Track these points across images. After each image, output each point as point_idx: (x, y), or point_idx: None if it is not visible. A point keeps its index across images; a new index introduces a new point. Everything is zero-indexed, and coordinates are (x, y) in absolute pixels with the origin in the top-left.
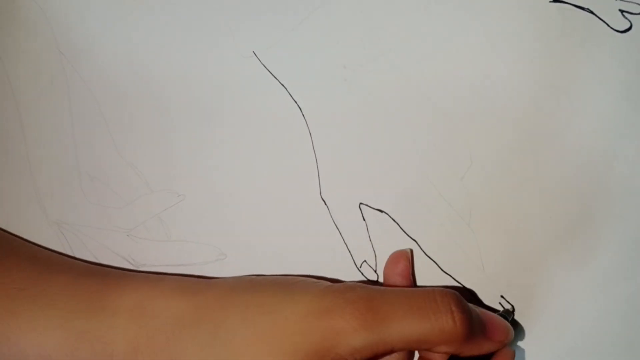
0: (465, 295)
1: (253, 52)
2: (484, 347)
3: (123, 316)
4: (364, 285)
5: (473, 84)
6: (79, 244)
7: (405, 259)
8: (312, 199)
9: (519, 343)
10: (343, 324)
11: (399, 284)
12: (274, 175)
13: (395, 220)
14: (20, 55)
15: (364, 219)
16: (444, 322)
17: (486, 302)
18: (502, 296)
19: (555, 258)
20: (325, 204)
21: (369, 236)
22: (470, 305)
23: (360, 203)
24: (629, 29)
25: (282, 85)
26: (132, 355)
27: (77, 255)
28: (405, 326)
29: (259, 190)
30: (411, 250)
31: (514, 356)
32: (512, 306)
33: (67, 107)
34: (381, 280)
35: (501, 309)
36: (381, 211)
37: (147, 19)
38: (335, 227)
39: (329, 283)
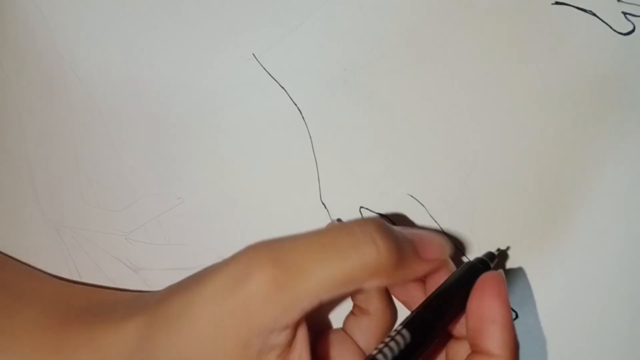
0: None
1: (253, 54)
2: (419, 270)
3: (81, 352)
4: (270, 240)
5: (475, 86)
6: (77, 247)
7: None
8: (312, 203)
9: (526, 348)
10: (252, 291)
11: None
12: (274, 178)
13: (396, 224)
14: (20, 58)
15: None
16: (366, 254)
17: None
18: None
19: (559, 261)
20: (326, 207)
21: None
22: (398, 227)
23: (361, 207)
24: (632, 31)
25: (282, 87)
26: None
27: (75, 259)
28: (324, 271)
29: (258, 193)
30: (338, 220)
31: (503, 276)
32: (499, 250)
33: (66, 109)
34: None
35: None
36: (382, 215)
37: (147, 21)
38: None
39: (233, 255)
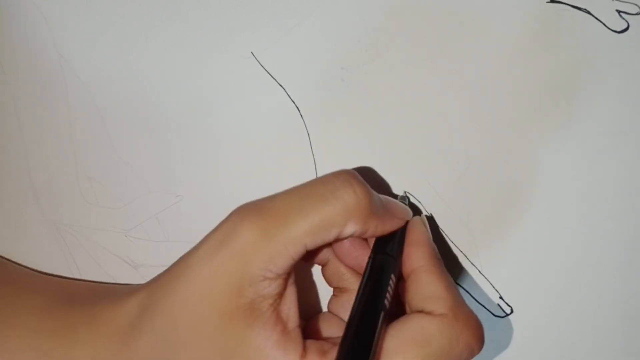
0: None
1: (251, 52)
2: (388, 222)
3: (82, 330)
4: (252, 201)
5: (470, 85)
6: (77, 244)
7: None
8: None
9: (521, 345)
10: (242, 242)
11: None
12: (272, 175)
13: None
14: (18, 56)
15: None
16: (346, 198)
17: (484, 302)
18: (500, 297)
19: (554, 259)
20: None
21: None
22: None
23: None
24: (626, 29)
25: (281, 85)
26: None
27: (75, 256)
28: (306, 217)
29: (257, 190)
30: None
31: (424, 221)
32: (405, 192)
33: (65, 107)
34: None
35: (500, 311)
36: None
37: (145, 20)
38: None
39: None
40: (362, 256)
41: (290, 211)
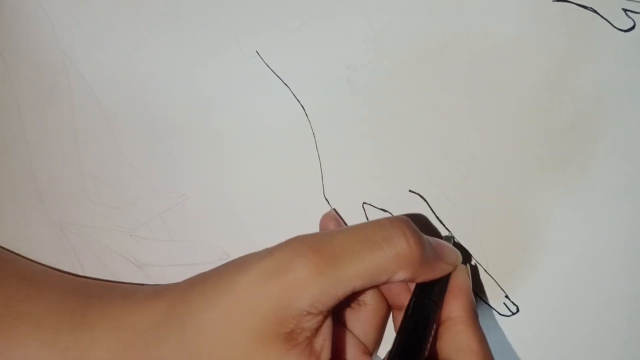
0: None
1: (256, 51)
2: (438, 269)
3: (101, 330)
4: (309, 234)
5: (475, 84)
6: (81, 244)
7: (333, 219)
8: (316, 199)
9: (527, 344)
10: (295, 277)
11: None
12: (278, 175)
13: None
14: (23, 55)
15: (367, 219)
16: (399, 247)
17: (490, 301)
18: (506, 296)
19: (561, 257)
20: (329, 203)
21: (344, 221)
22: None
23: (364, 203)
24: (633, 27)
25: (286, 85)
26: None
27: (80, 256)
28: (359, 261)
29: (262, 190)
30: (334, 210)
31: (468, 271)
32: (450, 232)
33: (69, 107)
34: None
35: (505, 310)
36: (384, 211)
37: (150, 20)
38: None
39: (274, 246)
40: (401, 293)
41: (345, 253)
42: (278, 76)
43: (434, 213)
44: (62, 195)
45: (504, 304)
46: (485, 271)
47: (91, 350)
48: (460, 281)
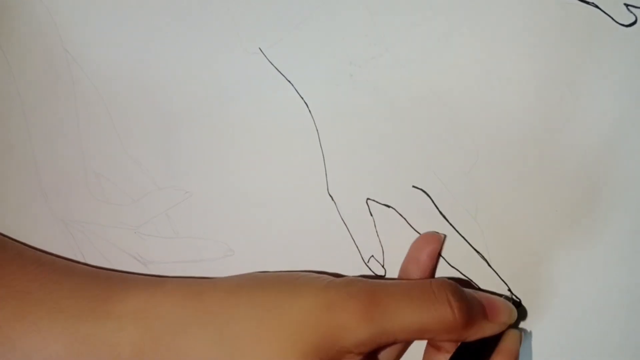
0: (465, 284)
1: (259, 48)
2: (487, 330)
3: (127, 319)
4: (365, 279)
5: (478, 79)
6: (86, 241)
7: (437, 242)
8: (320, 195)
9: (529, 337)
10: (347, 317)
11: (422, 262)
12: (281, 171)
13: (403, 215)
14: (26, 53)
15: (371, 214)
16: (442, 312)
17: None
18: (509, 289)
19: (561, 251)
20: (333, 199)
21: (377, 231)
22: (469, 290)
23: (368, 198)
24: (634, 22)
25: (289, 81)
26: (137, 357)
27: (85, 253)
28: (406, 317)
29: (266, 186)
30: (445, 236)
31: (520, 337)
32: (510, 290)
33: (72, 104)
34: (388, 275)
35: None
36: (388, 206)
37: (153, 17)
38: (342, 222)
39: (331, 277)
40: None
41: (396, 306)
42: (281, 73)
43: (437, 208)
44: (66, 192)
45: (506, 297)
46: (488, 265)
47: (115, 339)
48: (509, 346)
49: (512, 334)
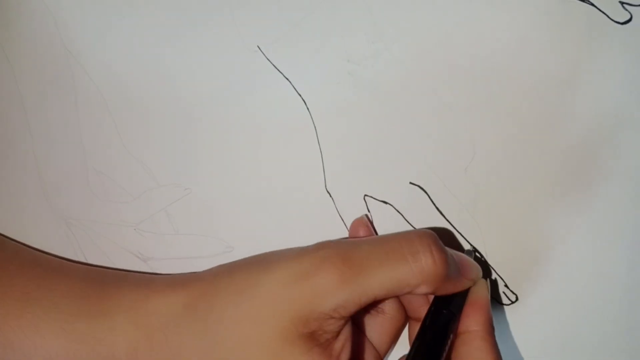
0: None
1: (258, 46)
2: (459, 285)
3: (121, 317)
4: (338, 240)
5: (476, 76)
6: (87, 239)
7: (364, 225)
8: (318, 192)
9: (526, 333)
10: (321, 282)
11: (364, 233)
12: (280, 168)
13: (400, 211)
14: (26, 52)
15: (368, 211)
16: (424, 263)
17: (490, 290)
18: (506, 285)
19: (559, 248)
20: (331, 196)
21: (374, 228)
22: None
23: (365, 195)
24: (629, 20)
25: (287, 79)
26: (132, 354)
27: (85, 251)
28: (384, 272)
29: (264, 183)
30: (367, 215)
31: (487, 286)
32: (473, 246)
33: (73, 102)
34: None
35: (505, 299)
36: (386, 203)
37: (152, 14)
38: (340, 219)
39: (302, 247)
40: (422, 306)
41: (371, 263)
42: (279, 70)
43: (435, 204)
44: (67, 190)
45: (503, 293)
46: (485, 261)
47: (110, 337)
48: (480, 295)
49: (479, 283)
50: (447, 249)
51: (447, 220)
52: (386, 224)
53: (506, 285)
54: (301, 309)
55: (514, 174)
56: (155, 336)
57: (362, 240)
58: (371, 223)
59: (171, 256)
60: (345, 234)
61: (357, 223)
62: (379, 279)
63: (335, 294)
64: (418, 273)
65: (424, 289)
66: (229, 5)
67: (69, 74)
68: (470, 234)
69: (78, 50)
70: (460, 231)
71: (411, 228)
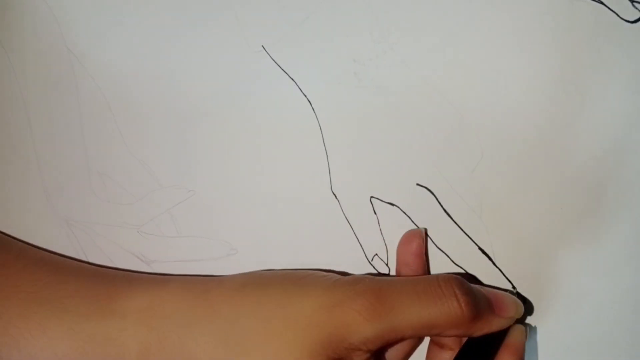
0: (470, 280)
1: (262, 46)
2: (494, 325)
3: (133, 318)
4: (372, 277)
5: (483, 77)
6: (89, 241)
7: (418, 237)
8: (323, 193)
9: (534, 335)
10: (354, 315)
11: (411, 263)
12: (285, 169)
13: (407, 213)
14: (28, 53)
15: (375, 213)
16: (450, 307)
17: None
18: (513, 287)
19: (566, 250)
20: (337, 198)
21: (380, 230)
22: (475, 285)
23: (371, 197)
24: (639, 19)
25: (292, 79)
26: (144, 356)
27: (87, 253)
28: (413, 313)
29: (269, 184)
30: (425, 230)
31: (525, 332)
32: (512, 285)
33: (75, 104)
34: (393, 273)
35: None
36: (392, 204)
37: (156, 15)
38: (346, 221)
39: (338, 276)
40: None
41: (402, 303)
42: (284, 70)
43: (442, 206)
44: (69, 192)
45: (511, 292)
46: (493, 263)
47: (121, 338)
48: (515, 341)
49: (517, 328)
50: (479, 288)
51: (454, 222)
52: (393, 226)
53: (514, 288)
54: (332, 336)
55: (522, 175)
56: (169, 339)
57: (395, 279)
58: (427, 239)
59: (174, 259)
60: (351, 237)
61: (411, 235)
62: (409, 318)
63: (365, 329)
64: (445, 317)
65: (453, 332)
66: (232, 5)
67: (71, 75)
68: (477, 236)
69: (80, 50)
70: (467, 233)
71: (416, 228)
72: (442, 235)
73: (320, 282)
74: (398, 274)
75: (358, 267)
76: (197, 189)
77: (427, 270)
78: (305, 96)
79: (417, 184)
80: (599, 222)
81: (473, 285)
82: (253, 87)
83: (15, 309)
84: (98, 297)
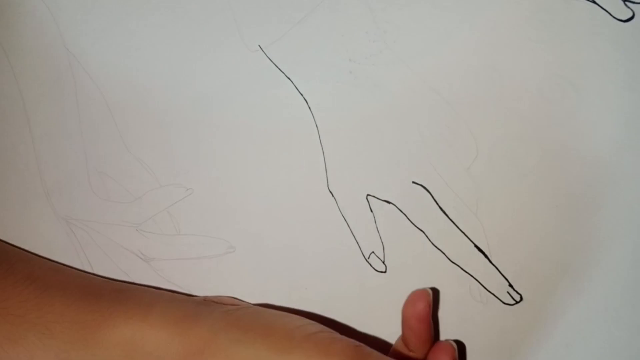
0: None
1: (259, 46)
2: None
3: (116, 351)
4: (356, 344)
5: (478, 75)
6: (88, 239)
7: (424, 300)
8: (320, 191)
9: (527, 330)
10: None
11: (415, 328)
12: (282, 168)
13: (403, 211)
14: (27, 53)
15: (371, 211)
16: None
17: (494, 290)
18: (509, 284)
19: (562, 246)
20: (333, 196)
21: (377, 227)
22: None
23: (368, 194)
24: (632, 17)
25: (289, 78)
26: None
27: (87, 251)
28: None
29: (266, 183)
30: (432, 290)
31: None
32: (508, 282)
33: (74, 103)
34: (389, 273)
35: (509, 299)
36: (388, 202)
37: (153, 15)
38: (343, 219)
39: (322, 342)
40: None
41: None
42: (281, 70)
43: (438, 204)
44: (68, 190)
45: (508, 292)
46: (489, 261)
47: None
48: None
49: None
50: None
51: (450, 220)
52: (389, 224)
53: (510, 285)
54: None
55: (517, 173)
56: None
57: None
58: (431, 301)
59: (173, 257)
60: (348, 235)
61: (417, 296)
62: None
63: None
64: None
65: None
66: (230, 4)
67: (70, 75)
68: (473, 233)
69: (79, 50)
70: (463, 230)
71: (414, 228)
72: (438, 233)
73: (302, 341)
74: (403, 338)
75: (354, 265)
76: (196, 188)
77: (433, 336)
78: (302, 95)
79: (413, 182)
80: (595, 219)
81: None
82: (250, 86)
83: (3, 333)
84: (83, 325)
